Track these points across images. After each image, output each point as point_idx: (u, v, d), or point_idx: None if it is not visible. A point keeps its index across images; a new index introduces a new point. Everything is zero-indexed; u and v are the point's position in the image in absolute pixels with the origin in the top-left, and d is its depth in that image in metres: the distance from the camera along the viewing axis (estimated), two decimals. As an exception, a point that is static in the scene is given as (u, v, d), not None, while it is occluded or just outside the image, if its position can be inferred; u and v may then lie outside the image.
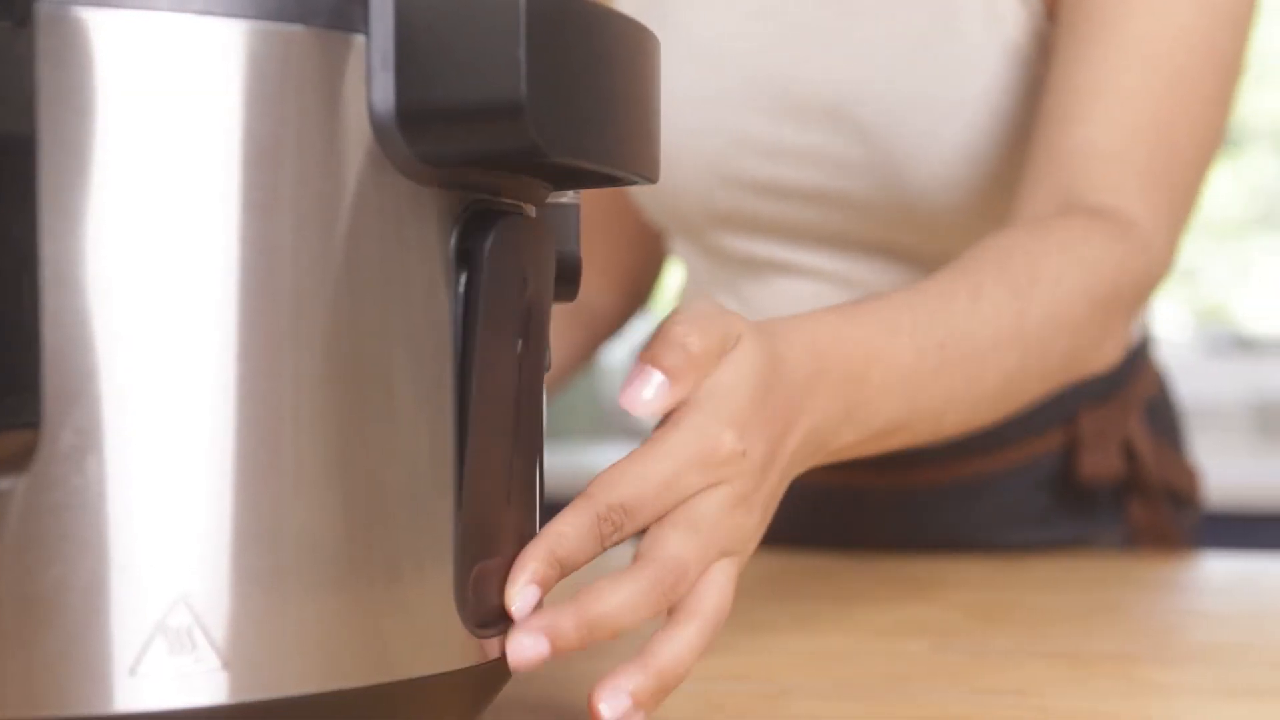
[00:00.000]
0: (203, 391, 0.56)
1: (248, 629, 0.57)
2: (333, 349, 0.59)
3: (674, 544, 0.70)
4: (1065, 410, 1.37)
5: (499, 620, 0.66)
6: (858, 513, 1.41)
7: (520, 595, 0.65)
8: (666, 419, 0.72)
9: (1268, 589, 1.22)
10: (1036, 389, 1.03)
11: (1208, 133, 1.11)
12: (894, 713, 0.79)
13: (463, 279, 0.63)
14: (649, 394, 0.71)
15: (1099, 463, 1.37)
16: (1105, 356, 1.06)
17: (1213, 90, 1.11)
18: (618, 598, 0.67)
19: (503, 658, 0.67)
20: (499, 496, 0.66)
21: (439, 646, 0.63)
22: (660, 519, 0.71)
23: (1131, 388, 1.40)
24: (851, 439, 0.85)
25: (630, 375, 0.71)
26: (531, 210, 0.69)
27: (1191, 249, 3.62)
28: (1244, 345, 3.46)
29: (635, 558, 0.70)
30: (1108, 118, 1.07)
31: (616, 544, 0.69)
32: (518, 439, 0.67)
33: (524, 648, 0.65)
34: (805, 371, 0.79)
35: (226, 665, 0.57)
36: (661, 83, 1.25)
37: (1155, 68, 1.08)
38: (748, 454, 0.73)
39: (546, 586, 0.66)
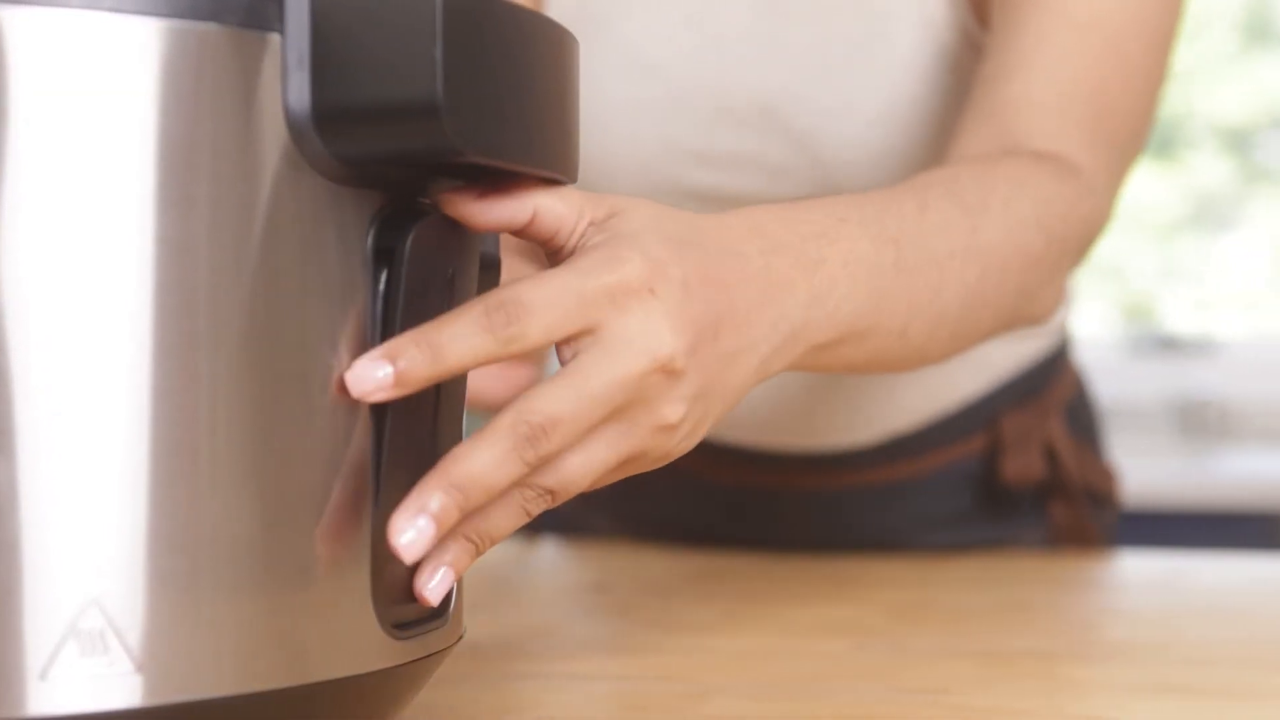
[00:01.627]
0: (117, 392, 0.56)
1: (162, 632, 0.57)
2: (249, 349, 0.59)
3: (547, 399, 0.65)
4: (987, 414, 1.38)
5: (417, 621, 0.66)
6: (779, 514, 1.41)
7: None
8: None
9: (1185, 587, 1.23)
10: (991, 320, 0.97)
11: (1140, 103, 1.11)
12: (814, 712, 0.79)
13: (383, 278, 0.63)
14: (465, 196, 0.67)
15: (1021, 467, 1.38)
16: (1048, 303, 1.03)
17: (1144, 63, 1.10)
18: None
19: (420, 659, 0.66)
20: None
21: (356, 648, 0.63)
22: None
23: (1052, 390, 1.41)
24: (825, 331, 0.79)
25: None
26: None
27: (1120, 248, 3.65)
28: (1168, 345, 3.49)
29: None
30: (1044, 73, 1.06)
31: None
32: (435, 441, 0.67)
33: (402, 532, 0.62)
34: (754, 248, 0.74)
35: (140, 668, 0.56)
36: (595, 90, 1.24)
37: (1090, 33, 1.06)
38: (656, 291, 0.68)
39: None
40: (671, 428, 0.70)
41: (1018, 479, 1.38)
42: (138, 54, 0.57)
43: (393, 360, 0.62)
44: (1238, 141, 3.66)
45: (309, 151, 0.60)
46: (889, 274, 0.83)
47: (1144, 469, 2.80)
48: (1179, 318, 3.64)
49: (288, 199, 0.60)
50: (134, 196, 0.57)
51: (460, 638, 0.72)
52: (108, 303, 0.56)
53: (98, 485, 0.56)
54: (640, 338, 0.67)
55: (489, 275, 0.74)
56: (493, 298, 0.64)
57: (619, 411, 0.67)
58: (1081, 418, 1.46)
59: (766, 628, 1.03)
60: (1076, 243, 1.02)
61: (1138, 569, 1.36)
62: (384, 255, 0.63)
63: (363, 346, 0.63)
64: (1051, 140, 1.03)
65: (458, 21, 0.59)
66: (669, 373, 0.68)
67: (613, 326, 0.67)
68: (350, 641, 0.62)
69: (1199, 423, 3.40)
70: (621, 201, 0.71)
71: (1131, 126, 1.10)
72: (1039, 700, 0.82)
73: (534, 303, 0.65)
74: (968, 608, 1.11)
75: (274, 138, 0.59)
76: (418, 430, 0.65)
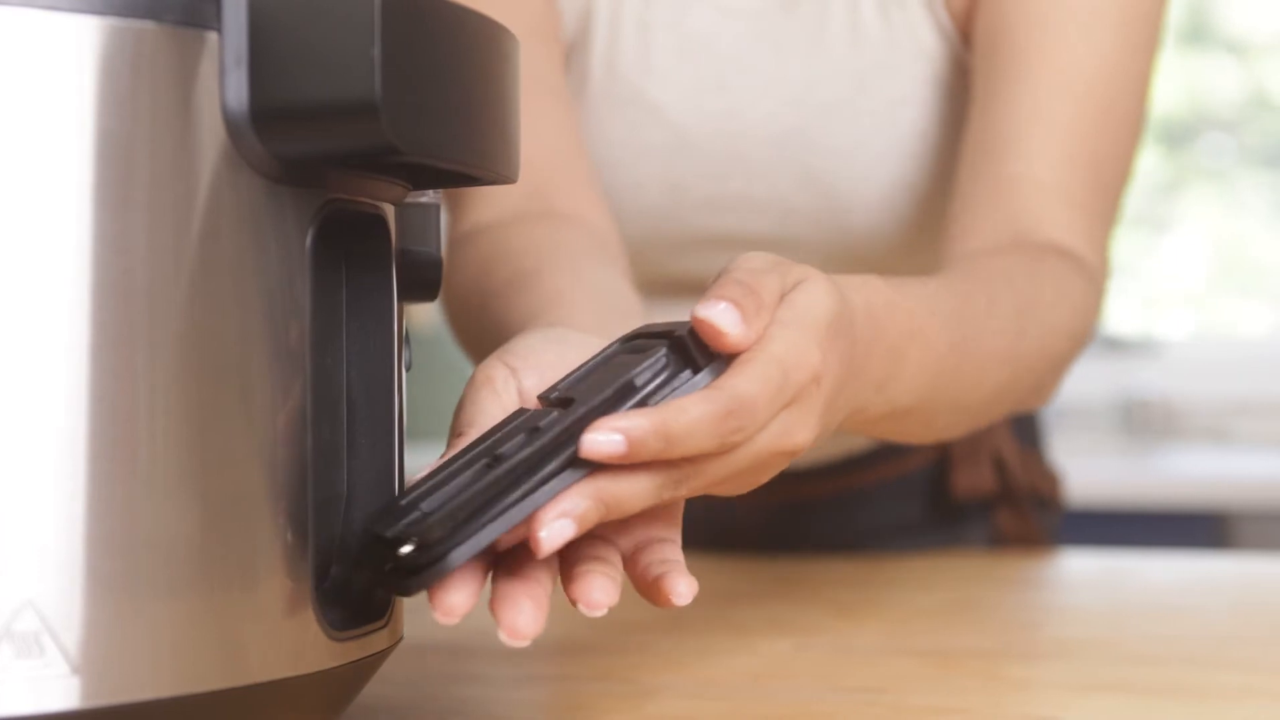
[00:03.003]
0: (54, 392, 0.56)
1: (99, 634, 0.56)
2: (187, 348, 0.58)
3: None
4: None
5: (356, 621, 0.66)
6: (728, 524, 1.41)
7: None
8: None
9: (1128, 586, 1.24)
10: (1005, 409, 1.03)
11: (1129, 156, 1.14)
12: (755, 711, 0.80)
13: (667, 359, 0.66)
14: (728, 322, 0.68)
15: (972, 480, 1.38)
16: (1050, 392, 1.08)
17: (1132, 113, 1.13)
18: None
19: (360, 660, 0.66)
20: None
21: (296, 649, 0.62)
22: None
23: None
24: (872, 411, 0.83)
25: (708, 307, 0.68)
26: (389, 210, 0.69)
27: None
28: (1112, 345, 3.50)
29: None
30: (1044, 150, 1.07)
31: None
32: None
33: (546, 525, 0.64)
34: (866, 332, 0.78)
35: (76, 670, 0.56)
36: (596, 132, 1.21)
37: (1084, 100, 1.09)
38: (821, 385, 0.71)
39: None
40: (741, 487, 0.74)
41: (968, 493, 1.38)
42: (75, 52, 0.56)
43: (627, 437, 0.63)
44: (1176, 141, 3.68)
45: (247, 150, 0.60)
46: (946, 375, 0.86)
47: (1089, 468, 2.81)
48: (1123, 318, 3.66)
49: (226, 198, 0.60)
50: (71, 195, 0.56)
51: (400, 639, 0.72)
52: (45, 301, 0.56)
53: (33, 485, 0.55)
54: (794, 428, 0.71)
55: (426, 286, 0.73)
56: (730, 400, 0.66)
57: None
58: (1025, 422, 1.46)
59: (710, 627, 1.03)
60: (1087, 336, 1.07)
61: (1081, 568, 1.37)
62: (684, 358, 0.67)
63: (301, 347, 0.62)
64: (1060, 230, 1.06)
65: (396, 21, 0.59)
66: (788, 456, 0.71)
67: (782, 414, 0.70)
68: (290, 642, 0.62)
69: (1143, 422, 3.42)
70: (802, 273, 0.73)
71: (1121, 188, 1.14)
72: (980, 699, 0.83)
73: (759, 411, 0.67)
74: (912, 607, 1.12)
75: (212, 136, 0.59)
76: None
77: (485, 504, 0.63)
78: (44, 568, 0.55)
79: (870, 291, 0.79)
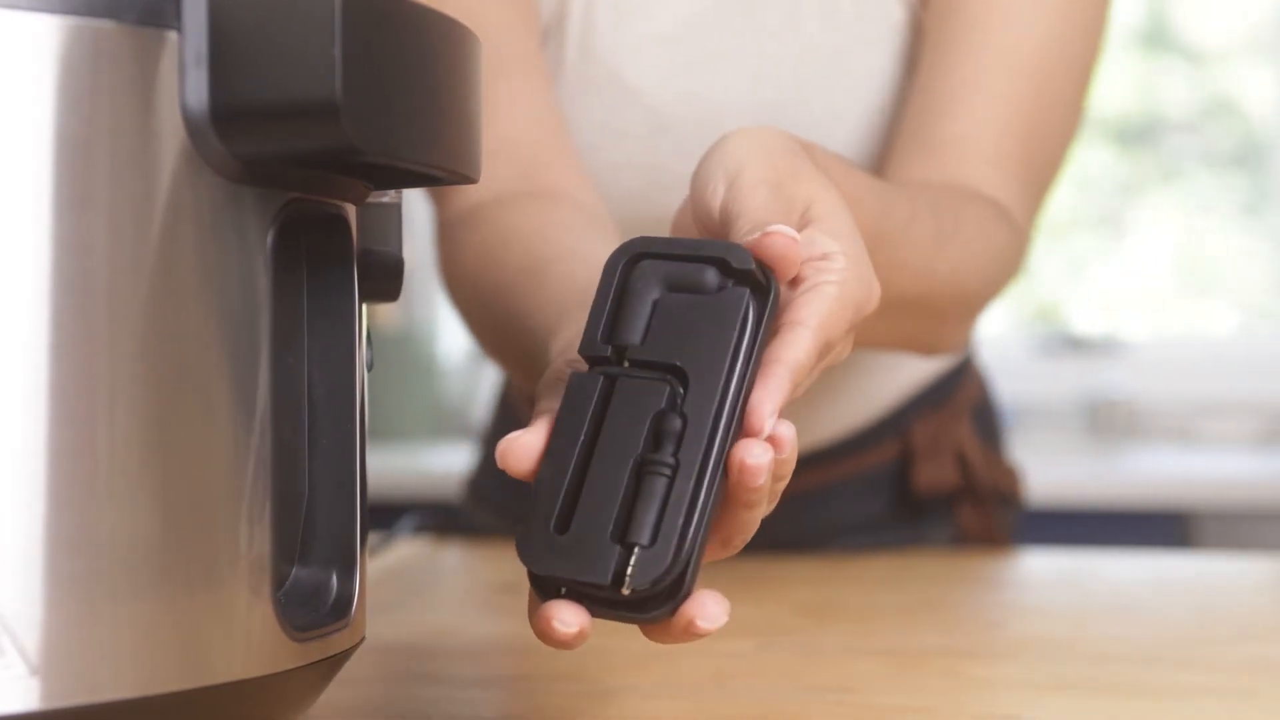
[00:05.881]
0: (13, 393, 0.55)
1: (59, 634, 0.56)
2: (147, 349, 0.58)
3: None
4: (898, 421, 1.38)
5: (318, 622, 0.65)
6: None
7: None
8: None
9: (1090, 585, 1.24)
10: (902, 336, 1.05)
11: (1065, 135, 1.16)
12: (719, 712, 0.80)
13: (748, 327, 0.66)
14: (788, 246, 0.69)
15: (935, 475, 1.38)
16: (956, 343, 1.09)
17: (1071, 94, 1.15)
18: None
19: (322, 661, 0.66)
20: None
21: (258, 650, 0.62)
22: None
23: (959, 394, 1.42)
24: None
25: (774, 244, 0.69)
26: (351, 210, 0.69)
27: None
28: (1074, 345, 3.51)
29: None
30: (980, 116, 1.10)
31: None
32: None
33: (762, 459, 0.65)
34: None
35: (35, 672, 0.56)
36: (573, 115, 1.21)
37: (1022, 75, 1.11)
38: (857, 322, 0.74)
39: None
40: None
41: (931, 488, 1.38)
42: (33, 51, 0.56)
43: (774, 432, 0.66)
44: (1137, 143, 3.69)
45: (207, 151, 0.60)
46: None
47: (1053, 468, 2.82)
48: (1086, 318, 3.67)
49: (186, 198, 0.59)
50: (30, 196, 0.56)
51: (362, 639, 0.72)
52: (3, 303, 0.55)
53: (-8, 487, 0.55)
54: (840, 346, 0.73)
55: (387, 286, 0.73)
56: (821, 348, 0.69)
57: None
58: (987, 419, 1.46)
59: (673, 627, 1.02)
60: (1001, 287, 1.09)
61: (1044, 567, 1.37)
62: (759, 294, 0.66)
63: (262, 347, 0.62)
64: (991, 189, 1.08)
65: (357, 20, 0.58)
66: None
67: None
68: (251, 643, 0.62)
69: (1107, 422, 3.42)
70: (809, 192, 0.75)
71: (1055, 164, 1.16)
72: (944, 698, 0.83)
73: (841, 329, 0.71)
74: (875, 606, 1.12)
75: (172, 136, 0.59)
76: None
77: (691, 516, 0.65)
78: (3, 569, 0.55)
79: (845, 189, 0.80)
